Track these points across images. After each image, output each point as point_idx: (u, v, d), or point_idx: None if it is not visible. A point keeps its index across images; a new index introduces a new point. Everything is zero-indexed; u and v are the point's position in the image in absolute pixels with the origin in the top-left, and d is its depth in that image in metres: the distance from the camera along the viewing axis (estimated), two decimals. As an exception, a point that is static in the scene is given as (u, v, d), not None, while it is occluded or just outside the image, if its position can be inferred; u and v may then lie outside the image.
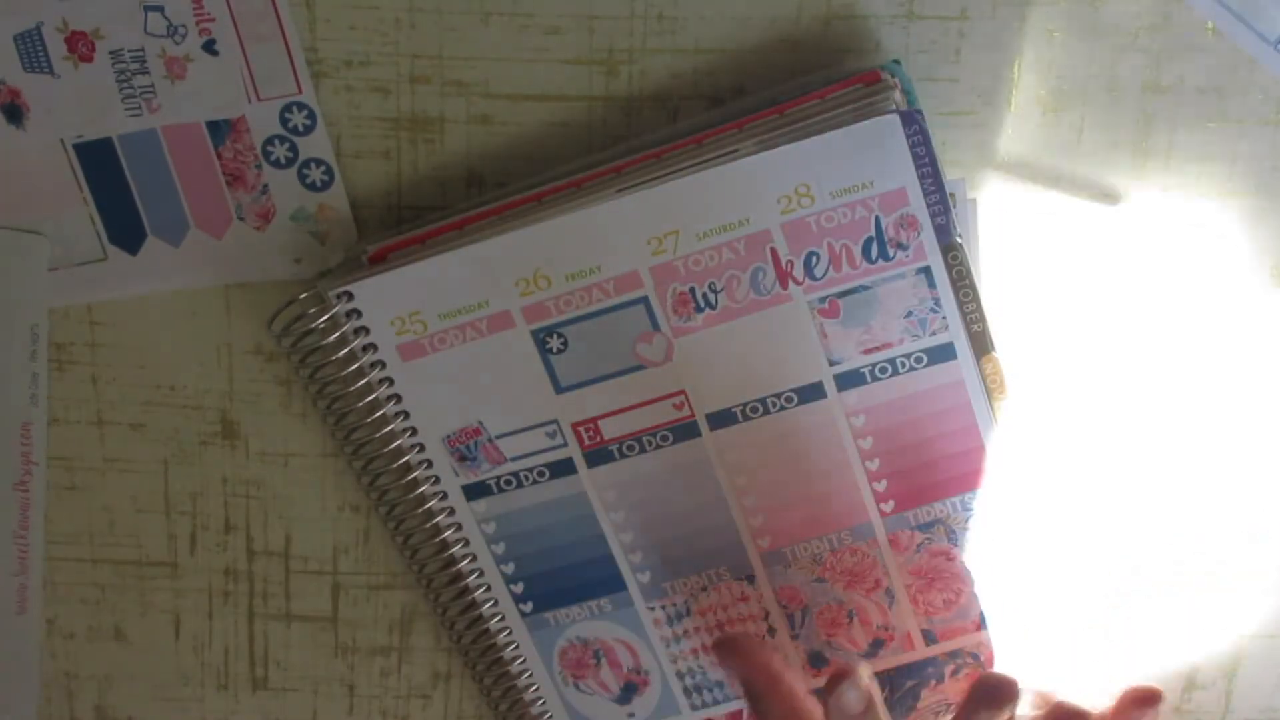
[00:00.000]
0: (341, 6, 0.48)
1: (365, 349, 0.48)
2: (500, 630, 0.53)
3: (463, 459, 0.50)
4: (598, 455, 0.50)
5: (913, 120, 0.46)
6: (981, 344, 0.48)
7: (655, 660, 0.53)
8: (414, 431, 0.50)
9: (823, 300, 0.48)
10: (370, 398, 0.49)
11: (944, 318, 0.48)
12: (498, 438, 0.50)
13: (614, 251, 0.47)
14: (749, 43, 0.49)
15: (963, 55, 0.49)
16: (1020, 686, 0.48)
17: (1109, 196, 0.50)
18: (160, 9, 0.47)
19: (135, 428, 0.53)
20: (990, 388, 0.49)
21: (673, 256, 0.47)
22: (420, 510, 0.51)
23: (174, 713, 0.57)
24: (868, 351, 0.48)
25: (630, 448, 0.50)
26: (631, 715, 0.54)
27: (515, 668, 0.53)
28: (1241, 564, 0.54)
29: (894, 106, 0.46)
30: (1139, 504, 0.54)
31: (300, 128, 0.49)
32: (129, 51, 0.48)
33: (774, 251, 0.47)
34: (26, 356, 0.50)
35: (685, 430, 0.49)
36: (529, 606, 0.52)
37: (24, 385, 0.51)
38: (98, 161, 0.49)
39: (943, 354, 0.48)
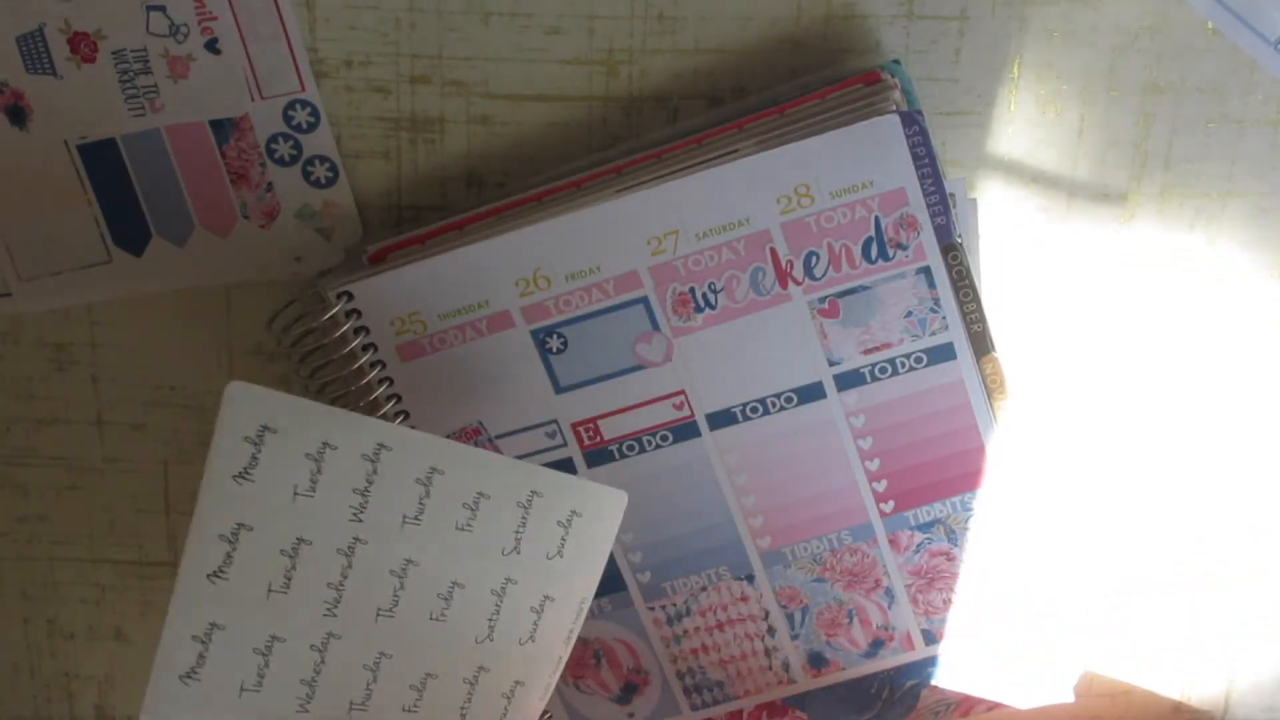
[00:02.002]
0: (342, 6, 0.48)
1: (365, 349, 0.48)
2: (500, 630, 0.53)
3: (463, 459, 0.50)
4: (597, 455, 0.50)
5: (913, 120, 0.46)
6: (981, 344, 0.48)
7: (655, 660, 0.53)
8: (414, 431, 0.50)
9: (822, 300, 0.48)
10: (370, 398, 0.49)
11: (944, 318, 0.48)
12: (498, 438, 0.50)
13: (614, 251, 0.47)
14: (749, 43, 0.49)
15: (963, 55, 0.49)
16: None
17: (1109, 196, 0.50)
18: (162, 9, 0.47)
19: (135, 428, 0.54)
20: (990, 388, 0.49)
21: (672, 256, 0.47)
22: (420, 510, 0.51)
23: (174, 713, 0.57)
24: (868, 351, 0.48)
25: (630, 448, 0.50)
26: (631, 715, 0.54)
27: (515, 668, 0.53)
28: (1241, 564, 0.54)
29: (894, 106, 0.46)
30: (1139, 504, 0.54)
31: (304, 125, 0.49)
32: (131, 51, 0.48)
33: (774, 251, 0.47)
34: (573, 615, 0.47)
35: (685, 430, 0.49)
36: (529, 607, 0.52)
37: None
38: (101, 162, 0.50)
39: (943, 354, 0.48)
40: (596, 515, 0.45)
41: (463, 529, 0.42)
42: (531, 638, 0.45)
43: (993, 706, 0.53)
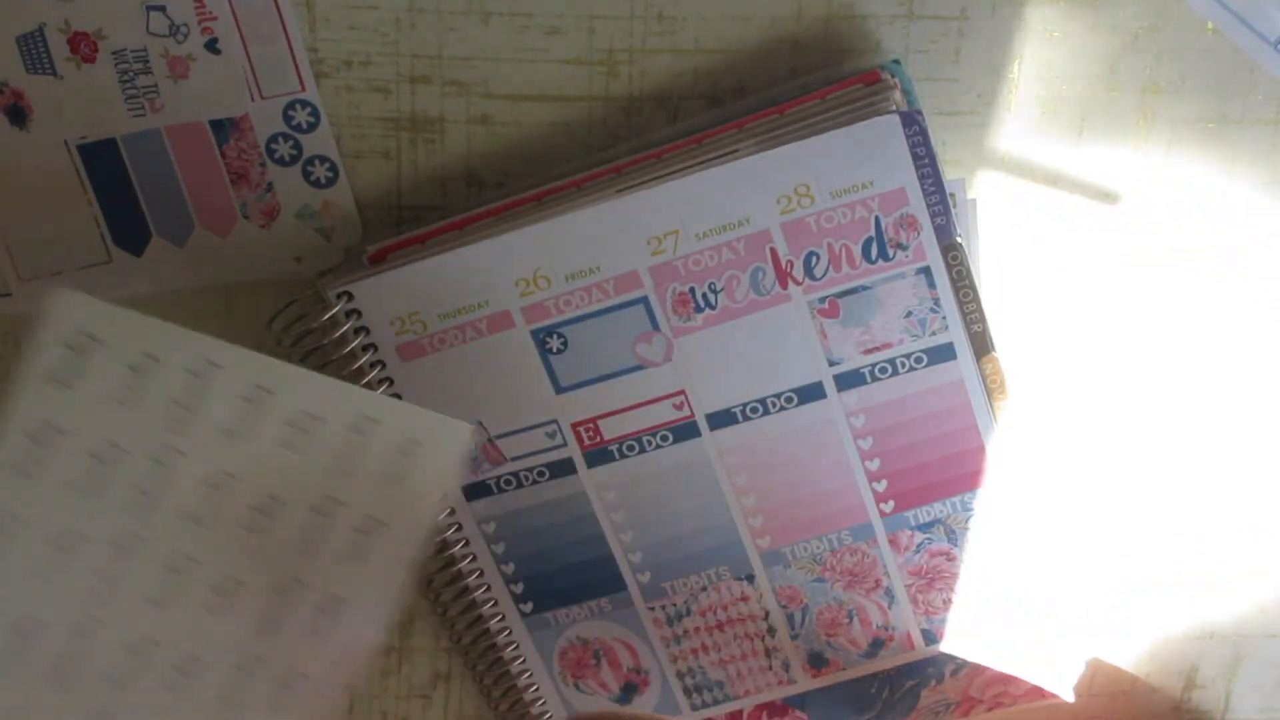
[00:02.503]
0: (342, 6, 0.48)
1: (365, 349, 0.48)
2: (500, 630, 0.53)
3: (463, 459, 0.50)
4: (598, 455, 0.50)
5: (913, 120, 0.46)
6: (981, 344, 0.48)
7: (655, 660, 0.53)
8: (414, 431, 0.50)
9: (822, 300, 0.48)
10: (370, 397, 0.49)
11: (944, 318, 0.48)
12: (498, 438, 0.50)
13: (614, 251, 0.47)
14: (749, 43, 0.49)
15: (963, 55, 0.49)
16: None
17: (1109, 196, 0.50)
18: (162, 9, 0.47)
19: (136, 427, 0.54)
20: (990, 388, 0.49)
21: (672, 256, 0.47)
22: (420, 510, 0.51)
23: (174, 713, 0.57)
24: (868, 351, 0.48)
25: (630, 448, 0.50)
26: (631, 715, 0.54)
27: (515, 668, 0.53)
28: (1241, 564, 0.54)
29: (894, 106, 0.46)
30: (1139, 503, 0.54)
31: (304, 125, 0.49)
32: (131, 51, 0.48)
33: (774, 251, 0.47)
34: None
35: (685, 430, 0.49)
36: (529, 606, 0.52)
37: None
38: (101, 162, 0.50)
39: (943, 354, 0.48)
40: (437, 445, 0.46)
41: (289, 447, 0.43)
42: (358, 558, 0.45)
43: (993, 706, 0.53)
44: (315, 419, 0.43)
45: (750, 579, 0.51)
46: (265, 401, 0.43)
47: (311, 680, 0.45)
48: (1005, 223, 0.51)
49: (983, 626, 0.52)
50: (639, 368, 0.49)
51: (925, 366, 0.49)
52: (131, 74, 0.48)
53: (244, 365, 0.42)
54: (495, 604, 0.52)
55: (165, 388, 0.41)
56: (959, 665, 0.52)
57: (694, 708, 0.54)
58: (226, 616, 0.44)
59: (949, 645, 0.52)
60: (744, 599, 0.52)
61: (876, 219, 0.47)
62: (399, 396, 0.49)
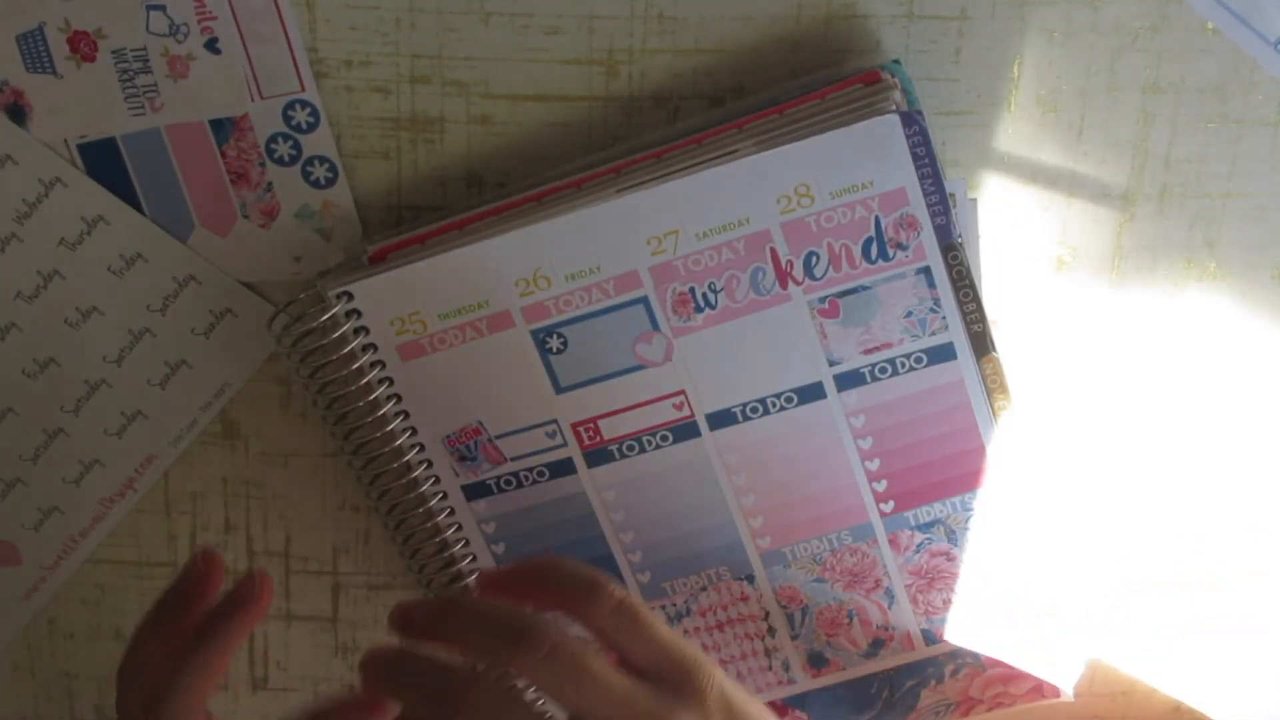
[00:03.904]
0: (342, 6, 0.48)
1: (365, 349, 0.48)
2: (500, 630, 0.53)
3: (463, 459, 0.50)
4: (597, 455, 0.50)
5: (913, 120, 0.46)
6: (981, 344, 0.48)
7: (655, 660, 0.53)
8: (414, 431, 0.50)
9: (822, 300, 0.48)
10: (370, 397, 0.49)
11: (944, 318, 0.48)
12: (498, 438, 0.50)
13: (614, 251, 0.47)
14: (749, 43, 0.49)
15: (963, 55, 0.49)
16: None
17: (1109, 196, 0.50)
18: (162, 8, 0.47)
19: (136, 427, 0.54)
20: (990, 388, 0.49)
21: (672, 256, 0.47)
22: (420, 510, 0.51)
23: (174, 713, 0.57)
24: (868, 351, 0.48)
25: (630, 448, 0.50)
26: (631, 715, 0.54)
27: (515, 668, 0.53)
28: (1241, 564, 0.54)
29: (894, 106, 0.46)
30: (1139, 504, 0.54)
31: (303, 125, 0.49)
32: (131, 51, 0.48)
33: (774, 251, 0.47)
34: (199, 403, 0.53)
35: (685, 430, 0.49)
36: (529, 607, 0.52)
37: (178, 425, 0.53)
38: (101, 162, 0.50)
39: (943, 354, 0.48)
40: (250, 320, 0.51)
41: (114, 273, 0.50)
42: (162, 386, 0.51)
43: (993, 706, 0.53)
44: (142, 259, 0.49)
45: (750, 579, 0.51)
46: (100, 229, 0.49)
47: (105, 467, 0.53)
48: (1005, 223, 0.51)
49: (983, 626, 0.52)
50: (639, 368, 0.49)
51: (925, 366, 0.49)
52: (131, 73, 0.48)
53: (86, 193, 0.49)
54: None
55: (13, 186, 0.48)
56: (959, 665, 0.52)
57: (694, 708, 0.54)
58: (40, 383, 0.51)
59: (952, 638, 0.52)
60: (744, 599, 0.52)
61: (876, 219, 0.47)
62: (398, 397, 0.49)
